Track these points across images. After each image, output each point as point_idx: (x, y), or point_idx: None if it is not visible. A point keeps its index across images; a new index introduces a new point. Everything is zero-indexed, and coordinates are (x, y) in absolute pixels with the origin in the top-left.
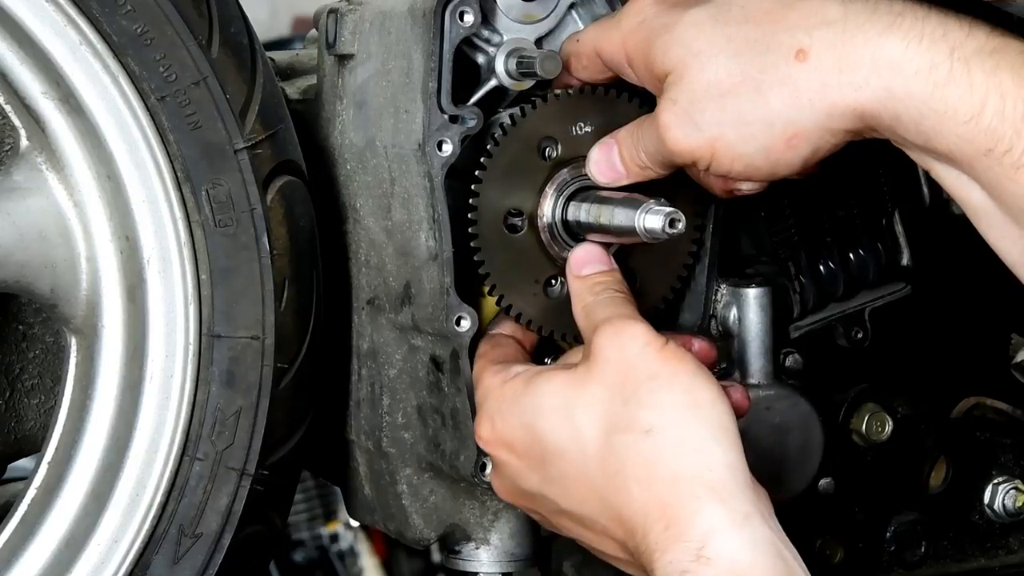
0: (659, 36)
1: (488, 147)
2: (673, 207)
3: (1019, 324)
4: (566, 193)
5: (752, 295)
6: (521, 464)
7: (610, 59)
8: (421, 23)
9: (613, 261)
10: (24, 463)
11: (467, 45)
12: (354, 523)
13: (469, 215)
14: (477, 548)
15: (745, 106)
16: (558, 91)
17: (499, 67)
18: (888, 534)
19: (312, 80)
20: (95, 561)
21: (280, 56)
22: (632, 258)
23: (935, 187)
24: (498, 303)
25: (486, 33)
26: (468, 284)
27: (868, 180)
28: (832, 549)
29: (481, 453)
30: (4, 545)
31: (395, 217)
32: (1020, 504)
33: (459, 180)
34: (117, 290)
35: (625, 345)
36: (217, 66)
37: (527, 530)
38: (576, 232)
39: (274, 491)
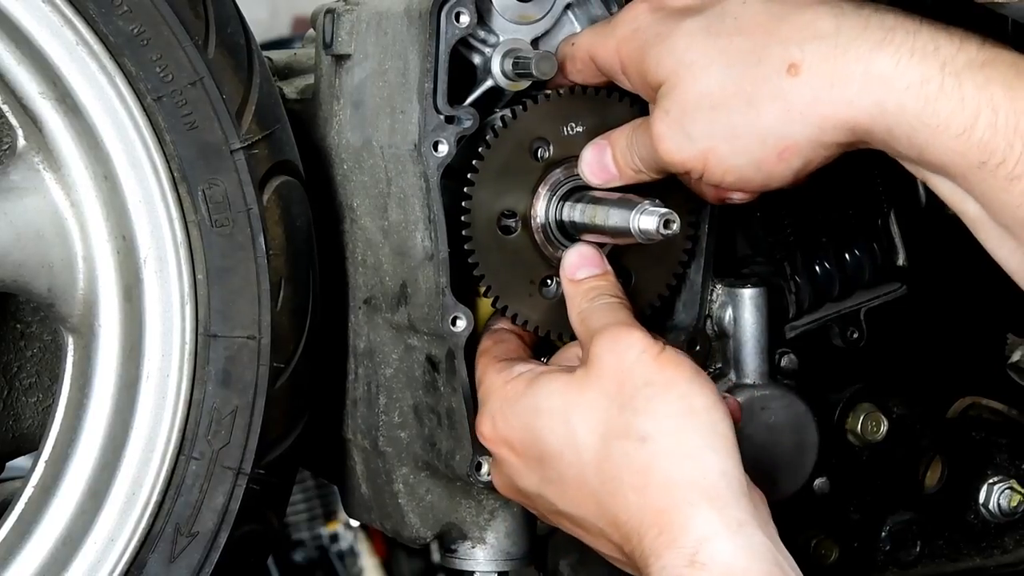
0: (653, 46)
1: (480, 149)
2: (667, 208)
3: (1015, 324)
4: (559, 193)
5: (748, 295)
6: (520, 463)
7: (604, 65)
8: (417, 24)
9: (607, 263)
10: (21, 462)
11: (463, 46)
12: (354, 523)
13: (463, 218)
14: (473, 547)
15: (737, 119)
16: (548, 91)
17: (495, 68)
18: (883, 534)
19: (310, 79)
20: (92, 559)
21: (278, 55)
22: (627, 257)
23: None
24: (494, 304)
25: (482, 34)
26: (464, 284)
27: (864, 181)
28: (827, 548)
29: (477, 453)
30: (1, 543)
31: (391, 217)
32: (1015, 504)
33: (455, 180)
34: (114, 290)
35: (622, 352)
36: (213, 66)
37: (523, 529)
38: (570, 232)
39: (270, 490)
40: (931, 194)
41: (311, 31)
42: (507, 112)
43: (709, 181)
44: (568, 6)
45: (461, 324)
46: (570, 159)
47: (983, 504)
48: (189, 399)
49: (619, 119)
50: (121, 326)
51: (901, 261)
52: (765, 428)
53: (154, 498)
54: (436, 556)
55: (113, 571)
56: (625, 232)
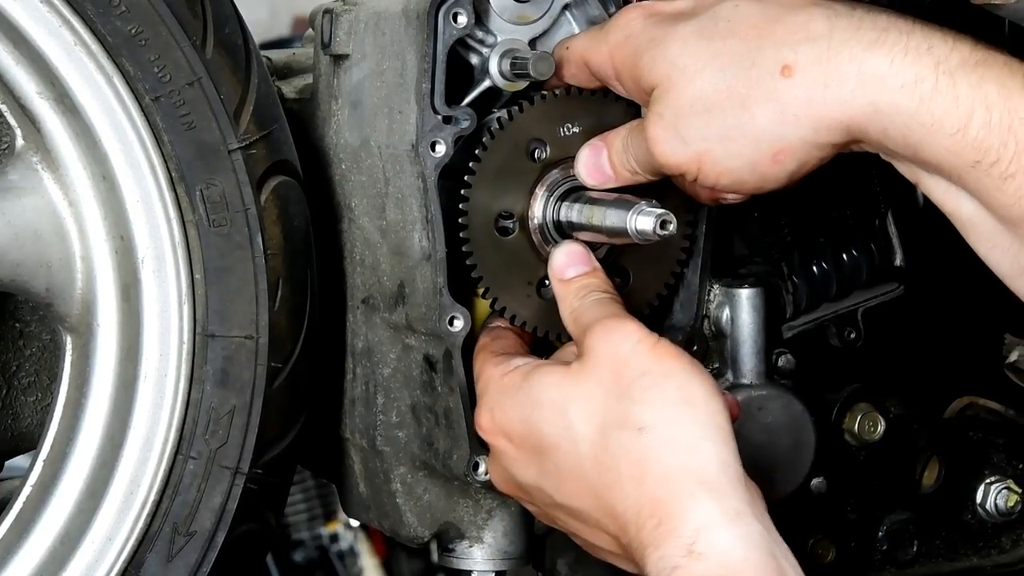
0: (646, 51)
1: (476, 151)
2: (664, 208)
3: (1012, 324)
4: (556, 194)
5: (745, 295)
6: (518, 455)
7: (598, 70)
8: (415, 24)
9: (595, 260)
10: (20, 461)
11: (461, 46)
12: (354, 523)
13: (460, 220)
14: (471, 546)
15: (731, 121)
16: (544, 92)
17: (493, 68)
18: (880, 533)
19: (309, 79)
20: (89, 559)
21: (277, 55)
22: (624, 257)
23: None
24: (492, 306)
25: (480, 34)
26: (461, 284)
27: (861, 181)
28: (824, 548)
29: (474, 452)
30: (0, 541)
31: (389, 217)
32: (1012, 504)
33: (453, 181)
34: (112, 289)
35: (617, 343)
36: (211, 66)
37: (521, 528)
38: (567, 232)
39: (268, 490)
40: None
41: (310, 31)
42: (503, 113)
43: (704, 183)
44: (566, 6)
45: (458, 324)
46: (567, 160)
47: (980, 504)
48: (187, 399)
49: (616, 120)
50: (119, 326)
51: (898, 261)
52: (762, 428)
53: (152, 497)
54: (436, 556)
55: (111, 570)
56: (622, 232)
